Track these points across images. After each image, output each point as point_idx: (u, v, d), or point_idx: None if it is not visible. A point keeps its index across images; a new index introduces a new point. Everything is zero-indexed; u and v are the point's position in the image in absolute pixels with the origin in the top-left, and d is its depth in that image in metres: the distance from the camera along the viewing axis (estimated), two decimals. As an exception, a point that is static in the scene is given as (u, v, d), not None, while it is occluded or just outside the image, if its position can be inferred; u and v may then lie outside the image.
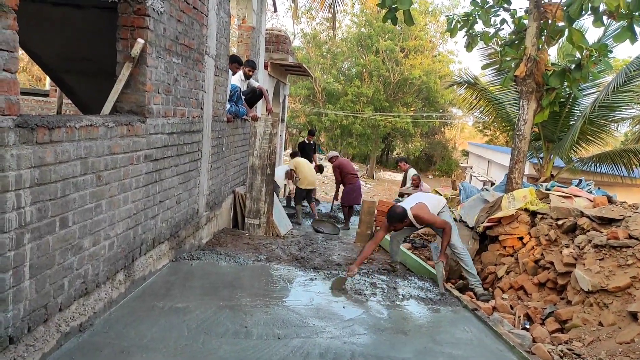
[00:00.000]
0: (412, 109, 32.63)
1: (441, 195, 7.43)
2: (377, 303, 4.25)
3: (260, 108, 10.13)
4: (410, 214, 4.95)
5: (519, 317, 4.26)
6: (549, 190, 5.63)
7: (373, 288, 4.63)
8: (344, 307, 4.08)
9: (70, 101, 6.83)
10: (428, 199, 5.21)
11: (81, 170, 2.78)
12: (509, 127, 10.58)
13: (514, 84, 7.19)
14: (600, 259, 4.01)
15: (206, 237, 5.77)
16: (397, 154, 38.02)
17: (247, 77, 7.61)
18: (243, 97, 7.29)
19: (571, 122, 9.13)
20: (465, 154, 31.50)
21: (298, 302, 4.09)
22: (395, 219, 4.95)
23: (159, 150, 3.98)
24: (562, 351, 3.50)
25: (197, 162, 5.09)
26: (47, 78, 11.08)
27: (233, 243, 5.91)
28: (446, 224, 4.94)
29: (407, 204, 5.12)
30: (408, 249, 6.29)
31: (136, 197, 3.63)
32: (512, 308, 4.47)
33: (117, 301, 3.47)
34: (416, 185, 10.15)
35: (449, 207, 7.34)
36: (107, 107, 3.44)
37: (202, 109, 5.10)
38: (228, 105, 6.55)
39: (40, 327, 2.56)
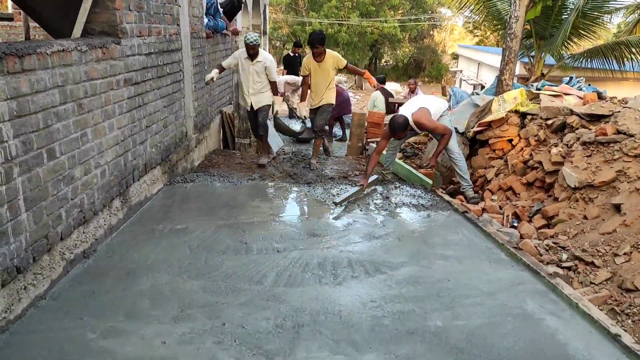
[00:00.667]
0: (400, 12, 31.19)
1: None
2: (371, 212, 4.37)
3: (240, 21, 9.62)
4: (411, 121, 4.91)
5: (507, 216, 4.42)
6: (539, 90, 5.57)
7: (367, 197, 4.73)
8: (338, 217, 4.20)
9: (37, 25, 6.42)
10: (429, 103, 5.10)
11: (60, 99, 2.69)
12: (500, 26, 10.22)
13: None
14: (587, 156, 4.08)
15: (198, 160, 5.77)
16: (385, 61, 37.01)
17: None
18: (221, 10, 6.88)
19: (563, 17, 8.82)
20: (455, 57, 30.69)
21: (294, 217, 4.19)
22: (398, 128, 4.88)
23: (139, 72, 3.83)
24: (547, 245, 3.68)
25: (179, 83, 4.93)
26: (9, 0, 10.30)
27: (225, 163, 5.93)
28: (447, 130, 4.89)
29: (408, 110, 5.00)
30: (399, 158, 6.35)
31: (121, 123, 3.55)
32: (500, 208, 4.63)
33: (116, 227, 3.54)
34: (412, 90, 10.00)
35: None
36: (77, 30, 3.24)
37: (178, 25, 4.83)
38: (206, 20, 6.20)
39: (44, 256, 2.62)
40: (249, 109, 5.73)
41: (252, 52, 5.45)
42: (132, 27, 3.68)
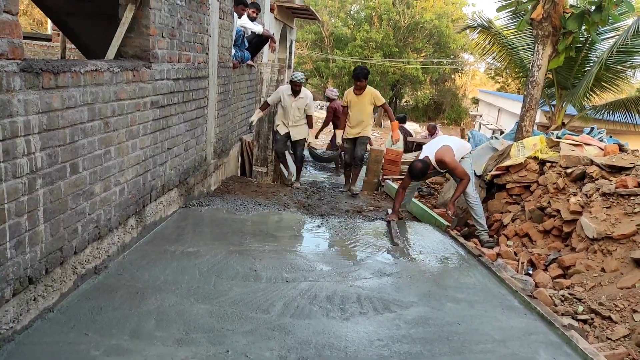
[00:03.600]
0: (422, 54, 31.77)
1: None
2: (383, 249, 4.33)
3: (266, 54, 9.90)
4: (433, 159, 4.97)
5: (522, 263, 4.33)
6: (559, 138, 5.55)
7: (380, 235, 4.70)
8: (351, 253, 4.17)
9: (73, 46, 6.70)
10: (453, 142, 5.17)
11: (89, 117, 2.78)
12: (521, 74, 10.30)
13: (529, 27, 6.93)
14: (607, 207, 4.01)
15: (214, 185, 5.83)
16: (405, 101, 37.40)
17: (251, 19, 7.36)
18: (247, 42, 7.11)
19: (586, 69, 8.86)
20: (476, 101, 30.92)
21: (305, 248, 4.18)
22: (417, 174, 4.94)
23: (165, 96, 3.94)
24: (563, 295, 3.59)
25: (203, 109, 5.05)
26: (49, 22, 10.82)
27: (241, 190, 5.98)
28: (465, 175, 4.92)
29: (431, 149, 5.07)
30: (415, 197, 6.33)
31: (144, 144, 3.64)
32: (516, 255, 4.55)
33: (129, 245, 3.57)
34: (431, 134, 10.06)
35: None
36: (111, 52, 3.38)
37: (207, 54, 5.00)
38: (233, 51, 6.41)
39: (57, 269, 2.65)
40: (284, 136, 6.57)
41: (298, 89, 6.34)
42: (164, 52, 3.82)
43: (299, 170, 7.00)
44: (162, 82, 3.84)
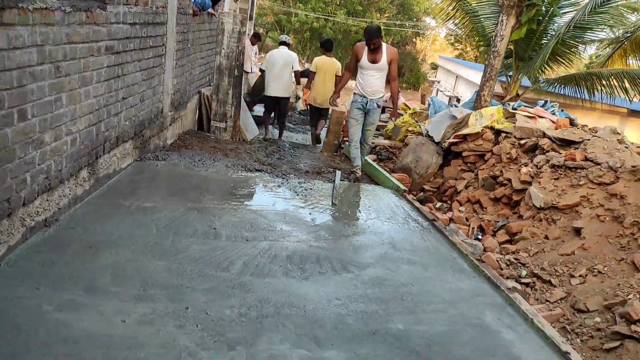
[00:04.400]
0: (386, 15, 31.41)
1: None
2: (343, 211, 4.39)
3: (227, 3, 9.45)
4: (386, 47, 5.04)
5: (473, 228, 4.53)
6: (515, 109, 5.73)
7: (339, 197, 4.75)
8: (310, 213, 4.20)
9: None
10: None
11: (38, 59, 2.56)
12: (482, 42, 10.43)
13: (495, -4, 6.96)
14: (555, 179, 4.23)
15: (171, 138, 5.63)
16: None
17: None
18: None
19: (543, 41, 9.09)
20: (435, 67, 31.19)
21: (266, 207, 4.16)
22: (376, 34, 4.90)
23: (121, 42, 3.70)
24: (509, 260, 3.81)
25: (161, 57, 4.79)
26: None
27: (199, 145, 5.82)
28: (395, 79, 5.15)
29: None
30: (374, 161, 6.41)
31: (98, 91, 3.42)
32: (467, 220, 4.74)
33: (81, 198, 3.41)
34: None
35: (416, 121, 7.42)
36: (62, -11, 3.09)
37: (166, -2, 4.69)
38: (194, -3, 6.05)
39: (4, 221, 2.50)
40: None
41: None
42: (120, -7, 3.55)
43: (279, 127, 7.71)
44: (117, 25, 3.58)
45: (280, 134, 7.93)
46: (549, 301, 3.29)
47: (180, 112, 5.90)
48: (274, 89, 7.36)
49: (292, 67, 7.34)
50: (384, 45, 5.03)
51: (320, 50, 7.80)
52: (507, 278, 3.58)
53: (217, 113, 6.75)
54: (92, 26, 3.16)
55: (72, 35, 2.90)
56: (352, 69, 5.39)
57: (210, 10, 6.81)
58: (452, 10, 10.17)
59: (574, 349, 2.82)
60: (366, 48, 5.00)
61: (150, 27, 4.30)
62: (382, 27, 28.97)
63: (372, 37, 4.87)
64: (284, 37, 7.81)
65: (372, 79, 5.06)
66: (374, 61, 5.00)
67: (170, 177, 4.38)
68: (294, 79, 7.82)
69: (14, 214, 2.59)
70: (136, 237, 3.12)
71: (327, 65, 7.43)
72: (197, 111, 6.95)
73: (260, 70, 8.03)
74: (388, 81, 5.19)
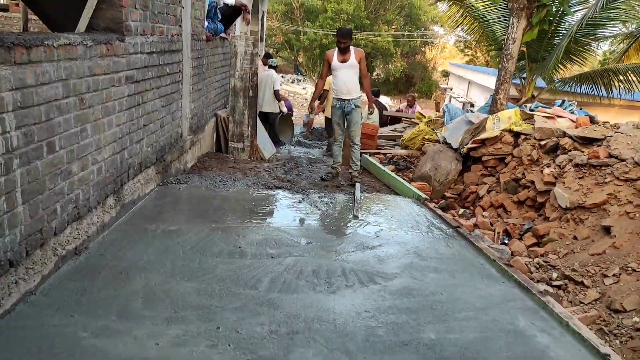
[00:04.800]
0: (394, 27, 31.59)
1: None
2: (364, 223, 4.38)
3: (238, 26, 9.64)
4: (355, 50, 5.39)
5: (498, 233, 4.47)
6: (532, 111, 5.68)
7: (360, 209, 4.75)
8: (333, 227, 4.20)
9: (34, 17, 6.35)
10: None
11: (63, 93, 2.66)
12: (493, 47, 10.40)
13: (504, 0, 6.95)
14: (579, 178, 4.16)
15: (191, 161, 5.73)
16: (377, 75, 37.32)
17: None
18: (219, 14, 6.89)
19: (555, 41, 9.02)
20: (446, 74, 31.14)
21: (288, 223, 4.18)
22: (348, 35, 5.33)
23: (140, 71, 3.81)
24: (538, 263, 3.74)
25: (178, 83, 4.91)
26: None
27: (218, 167, 5.90)
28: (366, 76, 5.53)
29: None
30: (392, 171, 6.39)
31: (120, 120, 3.52)
32: (492, 225, 4.68)
33: (109, 225, 3.49)
34: (410, 105, 10.12)
35: (432, 129, 7.41)
36: (82, 24, 3.22)
37: (180, 26, 4.83)
38: (206, 23, 6.21)
39: (37, 251, 2.57)
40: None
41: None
42: (137, 25, 3.67)
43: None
44: (136, 56, 3.69)
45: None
46: (583, 303, 3.21)
47: (198, 135, 6.00)
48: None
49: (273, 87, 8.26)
50: (351, 47, 5.43)
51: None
52: (538, 281, 3.51)
53: (234, 134, 6.85)
54: (113, 58, 3.27)
55: (94, 68, 3.01)
56: (325, 75, 5.79)
57: (222, 34, 6.97)
58: (461, 17, 10.19)
59: (614, 350, 2.74)
60: (336, 51, 5.45)
61: (166, 55, 4.42)
62: (390, 39, 29.10)
63: (344, 37, 5.33)
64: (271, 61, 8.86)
65: (345, 77, 5.44)
66: (343, 61, 5.41)
67: (192, 199, 4.45)
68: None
69: (46, 244, 2.66)
70: (164, 260, 3.17)
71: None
72: (215, 133, 7.06)
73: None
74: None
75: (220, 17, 6.80)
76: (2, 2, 9.60)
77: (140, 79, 3.83)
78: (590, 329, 2.96)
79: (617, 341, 2.90)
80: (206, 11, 6.23)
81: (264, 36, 14.50)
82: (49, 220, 2.65)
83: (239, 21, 8.66)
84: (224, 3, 7.09)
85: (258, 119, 7.57)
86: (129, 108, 3.65)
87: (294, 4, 30.01)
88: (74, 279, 2.79)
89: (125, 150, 3.67)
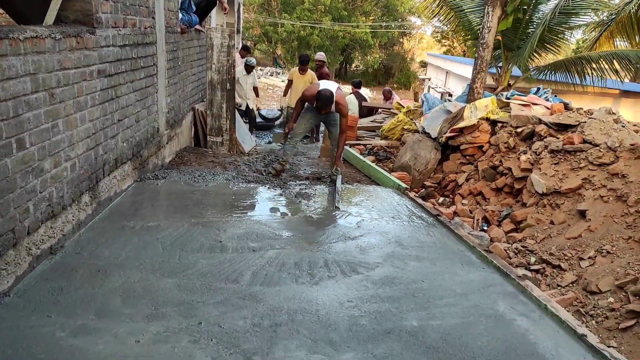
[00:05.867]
0: (371, 18, 31.59)
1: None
2: (345, 213, 4.39)
3: (214, 18, 9.50)
4: (334, 98, 5.10)
5: (477, 220, 4.53)
6: (509, 99, 5.75)
7: (342, 200, 4.75)
8: (315, 219, 4.20)
9: (1, 11, 6.13)
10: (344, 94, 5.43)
11: (32, 88, 2.57)
12: (469, 36, 10.47)
13: (479, -11, 7.00)
14: (555, 164, 4.24)
15: (169, 156, 5.64)
16: (355, 66, 37.34)
17: None
18: (194, 6, 6.76)
19: (530, 30, 9.14)
20: (424, 65, 31.33)
21: (269, 216, 4.16)
22: (326, 101, 5.05)
23: (112, 64, 3.72)
24: (516, 248, 3.80)
25: (153, 77, 4.81)
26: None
27: (197, 161, 5.82)
28: (345, 132, 5.13)
29: (332, 87, 5.19)
30: (372, 161, 6.41)
31: (93, 115, 3.43)
32: (471, 212, 4.74)
33: (85, 223, 3.41)
34: (387, 98, 10.13)
35: (411, 119, 7.45)
36: (50, 17, 3.12)
37: (153, 18, 4.72)
38: (180, 15, 6.09)
39: (10, 251, 2.50)
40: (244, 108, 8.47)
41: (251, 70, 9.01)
42: (108, 17, 3.57)
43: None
44: (108, 49, 3.60)
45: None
46: (561, 286, 3.28)
47: (176, 129, 5.91)
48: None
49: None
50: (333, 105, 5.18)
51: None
52: (517, 266, 3.57)
53: (212, 128, 6.77)
54: (83, 51, 3.18)
55: (63, 62, 2.92)
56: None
57: (197, 26, 6.85)
58: (437, 7, 10.23)
59: (590, 331, 2.81)
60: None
61: (140, 48, 4.33)
62: (368, 30, 29.10)
63: (324, 105, 5.10)
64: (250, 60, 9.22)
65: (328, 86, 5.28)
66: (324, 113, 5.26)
67: (171, 194, 4.39)
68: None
69: (20, 243, 2.59)
70: (143, 257, 3.11)
71: (302, 76, 8.87)
72: (193, 127, 6.97)
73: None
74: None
75: (194, 8, 6.68)
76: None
77: (113, 73, 3.74)
78: (567, 310, 3.03)
79: (594, 322, 2.97)
80: (180, 2, 6.11)
81: (241, 28, 14.34)
82: (22, 219, 2.57)
83: (214, 13, 8.53)
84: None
85: (237, 112, 7.50)
86: (102, 103, 3.56)
87: (270, -4, 29.71)
88: (50, 278, 2.73)
89: (99, 146, 3.58)
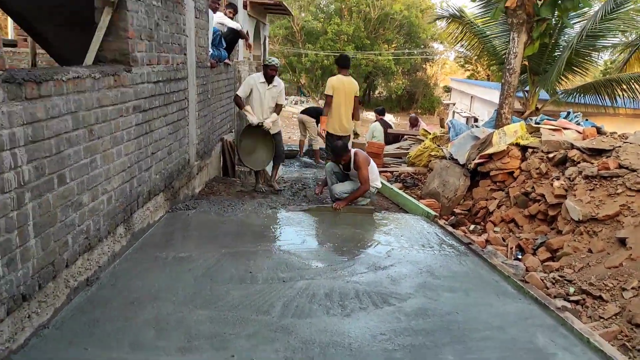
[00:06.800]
0: (394, 45, 31.97)
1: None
2: (375, 242, 4.35)
3: (241, 51, 9.79)
4: (352, 152, 5.23)
5: (511, 248, 4.42)
6: (538, 124, 5.67)
7: (370, 228, 4.72)
8: (344, 248, 4.17)
9: (42, 51, 6.47)
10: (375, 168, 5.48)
11: (73, 125, 2.69)
12: (494, 62, 10.47)
13: (503, 15, 7.02)
14: (590, 190, 4.12)
15: (199, 187, 5.75)
16: (379, 93, 37.62)
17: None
18: (224, 41, 7.00)
19: (556, 54, 9.08)
20: (448, 90, 31.32)
21: (298, 246, 4.15)
22: (336, 152, 5.24)
23: (147, 100, 3.85)
24: (554, 278, 3.67)
25: (184, 110, 4.96)
26: (9, 25, 10.40)
27: (226, 191, 5.91)
28: (367, 185, 5.18)
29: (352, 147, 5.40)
30: (399, 189, 6.37)
31: (129, 149, 3.55)
32: (504, 240, 4.63)
33: (120, 254, 3.48)
34: (413, 125, 10.13)
35: (438, 145, 7.41)
36: (90, 57, 3.27)
37: (185, 54, 4.90)
38: (211, 50, 6.30)
39: (49, 284, 2.56)
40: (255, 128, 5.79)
41: (273, 74, 5.71)
42: (143, 55, 3.73)
43: (276, 167, 6.19)
44: (143, 85, 3.74)
45: (274, 175, 6.31)
46: (603, 318, 3.14)
47: (205, 160, 6.03)
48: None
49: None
50: (352, 155, 5.24)
51: (336, 69, 6.49)
52: (555, 297, 3.45)
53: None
54: (120, 88, 3.31)
55: (102, 99, 3.04)
56: None
57: (226, 60, 7.07)
58: (460, 33, 10.30)
59: (638, 366, 2.67)
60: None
61: (172, 83, 4.48)
62: (391, 58, 29.34)
63: (340, 155, 5.21)
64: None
65: None
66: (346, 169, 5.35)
67: (201, 225, 4.44)
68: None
69: (58, 276, 2.65)
70: (175, 288, 3.14)
71: (345, 84, 6.21)
72: (221, 158, 7.10)
73: None
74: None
75: (224, 44, 6.92)
76: (10, 37, 9.81)
77: (148, 108, 3.87)
78: (612, 344, 2.88)
79: (641, 356, 2.82)
80: (211, 39, 6.34)
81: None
82: (61, 252, 2.65)
83: (241, 46, 8.78)
84: (227, 28, 7.22)
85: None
86: (137, 137, 3.68)
87: (294, 28, 30.50)
88: (86, 310, 2.77)
89: (134, 179, 3.68)
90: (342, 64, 6.33)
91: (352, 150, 5.30)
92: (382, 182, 5.78)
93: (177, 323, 2.74)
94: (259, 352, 2.52)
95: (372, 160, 5.35)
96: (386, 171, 7.39)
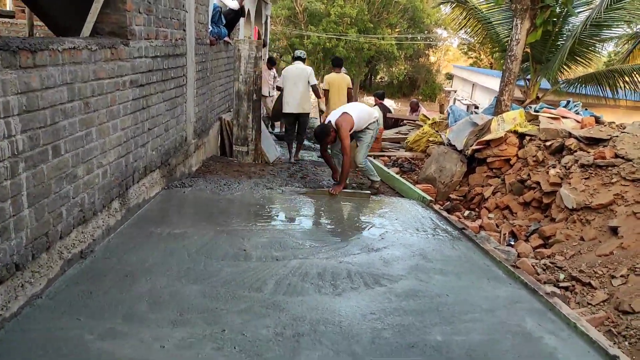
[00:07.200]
0: (397, 30, 31.64)
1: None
2: (369, 225, 4.37)
3: (242, 30, 9.68)
4: (334, 124, 5.02)
5: (504, 234, 4.45)
6: (537, 112, 5.66)
7: (365, 211, 4.74)
8: (338, 230, 4.19)
9: (40, 23, 6.39)
10: (357, 110, 5.18)
11: (68, 97, 2.67)
12: (497, 48, 10.39)
13: (508, 1, 6.94)
14: (585, 178, 4.14)
15: (195, 165, 5.74)
16: (380, 78, 37.38)
17: None
18: (224, 18, 6.92)
19: (559, 42, 9.00)
20: (449, 77, 31.12)
21: (293, 226, 4.18)
22: (316, 137, 5.20)
23: (144, 75, 3.83)
24: (545, 264, 3.71)
25: (182, 87, 4.93)
26: (9, -2, 10.23)
27: (223, 170, 5.91)
28: (346, 152, 4.94)
29: (335, 115, 5.12)
30: (396, 173, 6.38)
31: (125, 124, 3.54)
32: (497, 227, 4.66)
33: (114, 228, 3.50)
34: (414, 110, 10.11)
35: (437, 130, 7.39)
36: (87, 29, 3.24)
37: (184, 30, 4.85)
38: (210, 27, 6.24)
39: (43, 255, 2.58)
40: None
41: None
42: (141, 29, 3.69)
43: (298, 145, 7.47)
44: (140, 60, 3.71)
45: (297, 152, 7.51)
46: (591, 304, 3.18)
47: (203, 139, 6.02)
48: (290, 106, 7.21)
49: (309, 82, 7.15)
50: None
51: (332, 69, 8.44)
52: (545, 283, 3.48)
53: (238, 137, 6.86)
54: (117, 62, 3.29)
55: (98, 72, 3.02)
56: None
57: (226, 38, 7.00)
58: (464, 19, 10.19)
59: (623, 352, 2.71)
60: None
61: (171, 59, 4.44)
62: (394, 42, 29.07)
63: (323, 139, 5.15)
64: (298, 52, 7.76)
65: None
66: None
67: (197, 202, 4.46)
68: (312, 93, 7.57)
69: (52, 247, 2.67)
70: (169, 263, 3.17)
71: (338, 80, 8.06)
72: (219, 137, 7.08)
73: (278, 88, 8.10)
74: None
75: (224, 21, 6.84)
76: (7, 8, 9.68)
77: (145, 83, 3.85)
78: (598, 330, 2.93)
79: (626, 343, 2.87)
80: (211, 16, 6.26)
81: (268, 40, 14.56)
82: (55, 223, 2.66)
83: (242, 25, 8.69)
84: (228, 7, 7.13)
85: (263, 122, 7.57)
86: (133, 112, 3.66)
87: (297, 9, 30.12)
88: (80, 282, 2.80)
89: (130, 154, 3.68)
90: (336, 64, 8.37)
91: (333, 123, 5.04)
92: (378, 165, 5.78)
93: (170, 297, 2.76)
94: (250, 327, 2.55)
95: (352, 115, 5.04)
96: (384, 155, 7.39)
